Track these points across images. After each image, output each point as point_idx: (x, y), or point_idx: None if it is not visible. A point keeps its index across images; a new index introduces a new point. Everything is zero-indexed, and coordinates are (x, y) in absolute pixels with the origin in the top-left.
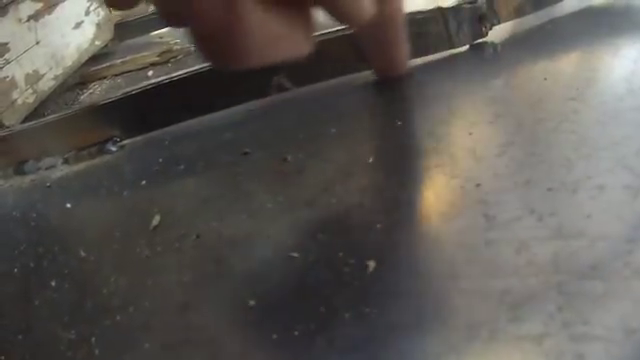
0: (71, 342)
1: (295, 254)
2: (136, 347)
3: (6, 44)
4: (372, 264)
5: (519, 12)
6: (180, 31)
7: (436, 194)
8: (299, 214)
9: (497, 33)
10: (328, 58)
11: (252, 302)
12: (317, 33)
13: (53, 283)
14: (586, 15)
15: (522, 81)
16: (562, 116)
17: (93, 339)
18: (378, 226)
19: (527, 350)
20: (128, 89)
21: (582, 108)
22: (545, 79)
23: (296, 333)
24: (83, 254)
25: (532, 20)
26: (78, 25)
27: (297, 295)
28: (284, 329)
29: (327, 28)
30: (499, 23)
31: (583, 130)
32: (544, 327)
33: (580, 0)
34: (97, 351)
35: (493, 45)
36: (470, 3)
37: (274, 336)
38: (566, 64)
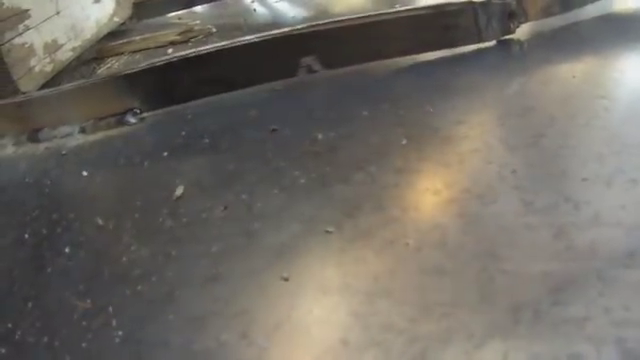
0: (86, 311)
1: (331, 229)
2: (159, 318)
3: (27, 11)
4: (411, 242)
5: (547, 12)
6: (199, 12)
7: (473, 178)
8: (333, 191)
9: (524, 31)
10: (359, 43)
11: (286, 275)
12: (347, 17)
13: (67, 250)
14: (610, 20)
15: (550, 78)
16: (592, 113)
17: (110, 308)
18: (415, 206)
19: (570, 334)
20: (153, 60)
21: (612, 106)
22: (574, 77)
23: (339, 313)
24: (100, 222)
25: (558, 21)
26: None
27: (335, 271)
28: (323, 305)
29: (363, 12)
30: (526, 21)
31: (613, 127)
32: (586, 311)
33: (604, 5)
34: (115, 321)
35: (520, 42)
36: None
37: (315, 312)
38: (593, 64)
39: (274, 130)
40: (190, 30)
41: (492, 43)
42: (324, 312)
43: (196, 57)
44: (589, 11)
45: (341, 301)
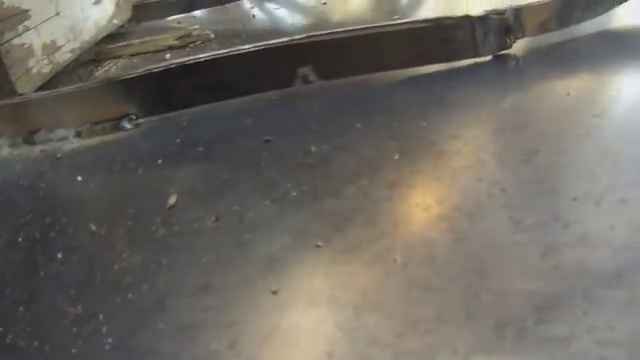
0: (77, 317)
1: (320, 243)
2: (149, 327)
3: (27, 11)
4: (400, 258)
5: (544, 28)
6: (199, 17)
7: (464, 195)
8: (325, 204)
9: (520, 46)
10: (355, 54)
11: (276, 288)
12: (345, 29)
13: (60, 255)
14: (607, 37)
15: (545, 94)
16: (586, 130)
17: (101, 316)
18: (406, 221)
19: (554, 352)
20: (150, 67)
21: (605, 124)
22: (568, 94)
23: (326, 325)
24: (94, 228)
25: (555, 37)
26: (98, 1)
27: (324, 284)
28: (311, 318)
29: (362, 23)
30: (523, 37)
31: (606, 145)
32: (570, 330)
33: (601, 22)
34: (105, 328)
35: (516, 57)
36: (498, 14)
37: (303, 324)
38: (589, 81)
39: (268, 140)
40: (188, 35)
41: (488, 58)
42: (312, 325)
43: (194, 64)
44: (586, 28)
45: (329, 314)
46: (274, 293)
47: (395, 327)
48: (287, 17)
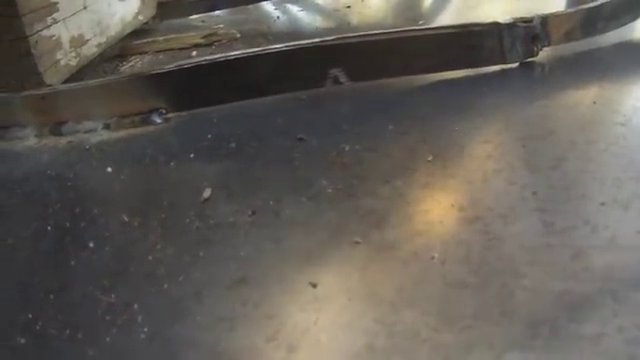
0: (111, 306)
1: (359, 239)
2: (186, 317)
3: (56, 4)
4: (437, 256)
5: (569, 37)
6: (222, 17)
7: (496, 197)
8: (360, 203)
9: (546, 54)
10: (385, 58)
11: (315, 283)
12: (376, 32)
13: (91, 245)
14: (631, 47)
15: (572, 102)
16: (612, 139)
17: (136, 305)
18: (441, 221)
19: (585, 349)
20: (181, 62)
21: (630, 134)
22: (594, 103)
23: (364, 320)
24: (126, 219)
25: (580, 46)
26: None
27: (362, 279)
28: (350, 312)
29: (386, 28)
30: (549, 45)
31: (631, 154)
32: (601, 329)
33: (625, 32)
34: (140, 318)
35: (542, 65)
36: (525, 22)
37: (341, 318)
38: (614, 91)
39: (301, 139)
40: (214, 34)
41: (515, 65)
42: (350, 318)
43: (225, 62)
44: (610, 38)
45: (367, 309)
46: (313, 286)
47: (432, 322)
48: (311, 20)
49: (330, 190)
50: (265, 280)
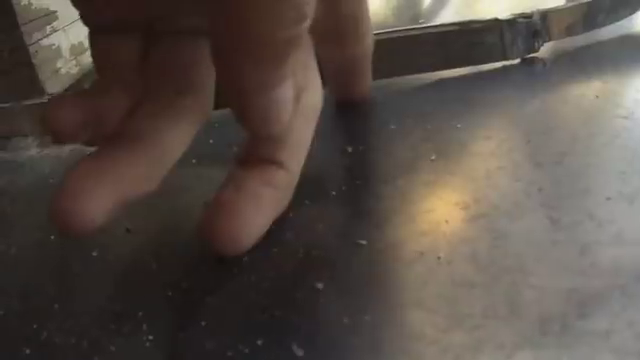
0: (116, 314)
1: (362, 241)
2: (193, 324)
3: (55, 12)
4: (442, 255)
5: (569, 31)
6: None
7: (501, 194)
8: (364, 204)
9: (547, 49)
10: (385, 57)
11: (320, 285)
12: (375, 32)
13: (95, 254)
14: (632, 40)
15: (573, 97)
16: (615, 132)
17: (141, 313)
18: (446, 220)
19: (596, 345)
20: None
21: (634, 126)
22: (597, 97)
23: (367, 318)
24: (129, 226)
25: (580, 40)
26: None
27: (367, 281)
28: (354, 313)
29: (387, 27)
30: (550, 40)
31: (636, 146)
32: (610, 325)
33: (626, 25)
34: (145, 326)
35: (543, 61)
36: (525, 18)
37: (345, 320)
38: (616, 84)
39: None
40: None
41: (516, 61)
42: (356, 320)
43: None
44: (611, 31)
45: (372, 309)
46: (318, 289)
47: (441, 323)
48: None
49: (333, 192)
50: (271, 284)
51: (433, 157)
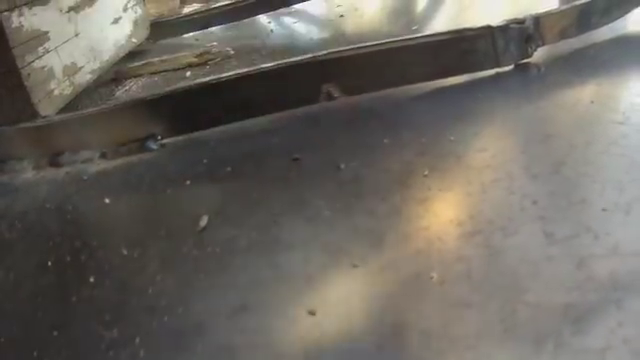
0: (113, 341)
1: (357, 263)
2: (188, 349)
3: (46, 33)
4: (436, 275)
5: (563, 34)
6: (216, 33)
7: (496, 209)
8: (359, 222)
9: (540, 54)
10: (378, 69)
11: (314, 308)
12: (366, 44)
13: (92, 279)
14: (624, 42)
15: (569, 103)
16: (611, 139)
17: (137, 339)
18: (440, 238)
19: None
20: (172, 87)
21: (630, 132)
22: (592, 102)
23: (364, 345)
24: (125, 251)
25: (574, 43)
26: (116, 20)
27: (362, 304)
28: (351, 339)
29: (382, 33)
30: (543, 45)
31: (632, 154)
32: (606, 341)
33: (619, 27)
34: (142, 352)
35: (537, 66)
36: (518, 24)
37: (342, 345)
38: (611, 88)
39: (296, 159)
40: (208, 52)
41: (510, 67)
42: (351, 345)
43: (217, 83)
44: (603, 33)
45: (368, 333)
46: (312, 314)
47: (435, 345)
48: (305, 31)
49: (327, 211)
50: (264, 308)
51: (426, 173)
